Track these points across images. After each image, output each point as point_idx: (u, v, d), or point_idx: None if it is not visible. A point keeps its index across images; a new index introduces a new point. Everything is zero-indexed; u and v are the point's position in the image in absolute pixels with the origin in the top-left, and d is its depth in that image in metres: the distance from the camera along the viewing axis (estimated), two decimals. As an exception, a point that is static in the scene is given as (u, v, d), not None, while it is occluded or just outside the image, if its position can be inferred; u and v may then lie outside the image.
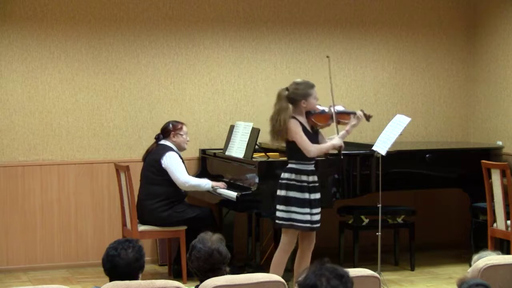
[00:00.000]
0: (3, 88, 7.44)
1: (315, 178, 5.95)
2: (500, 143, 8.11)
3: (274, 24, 8.07)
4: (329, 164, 6.93)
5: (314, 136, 5.98)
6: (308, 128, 5.94)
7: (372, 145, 6.69)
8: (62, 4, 7.51)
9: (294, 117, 5.86)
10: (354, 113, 6.17)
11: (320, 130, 6.12)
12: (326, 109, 6.05)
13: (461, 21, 8.59)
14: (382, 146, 6.55)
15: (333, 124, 6.09)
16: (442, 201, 8.48)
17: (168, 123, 7.15)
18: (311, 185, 5.90)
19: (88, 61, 7.62)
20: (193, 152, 7.82)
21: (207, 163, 7.75)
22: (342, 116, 6.13)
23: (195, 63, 7.89)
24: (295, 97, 5.88)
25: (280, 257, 5.94)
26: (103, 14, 7.61)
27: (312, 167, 5.94)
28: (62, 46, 7.55)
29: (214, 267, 3.86)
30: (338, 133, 6.04)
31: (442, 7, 8.54)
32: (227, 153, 7.39)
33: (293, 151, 5.92)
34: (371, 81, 8.39)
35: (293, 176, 5.89)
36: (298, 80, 6.10)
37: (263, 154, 7.18)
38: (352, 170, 7.07)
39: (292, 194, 5.86)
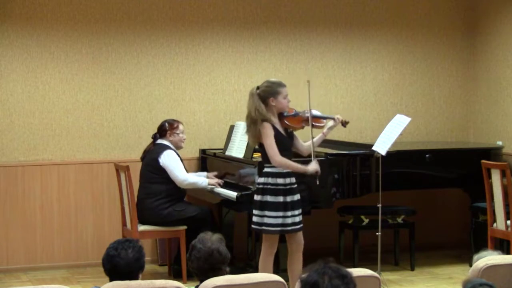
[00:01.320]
0: (3, 88, 7.44)
1: (292, 179, 5.83)
2: (500, 143, 8.11)
3: (274, 24, 8.07)
4: (329, 164, 6.93)
5: (288, 139, 5.88)
6: (282, 130, 5.83)
7: (372, 145, 6.69)
8: (62, 4, 7.51)
9: (267, 120, 5.74)
10: (329, 118, 6.11)
11: (295, 133, 6.02)
12: (300, 112, 5.94)
13: (461, 21, 8.59)
14: (382, 146, 6.54)
15: (307, 128, 6.00)
16: (442, 201, 8.48)
17: (164, 122, 7.15)
18: (287, 187, 5.79)
19: (88, 61, 7.62)
20: (193, 152, 7.82)
21: (207, 163, 7.76)
22: (317, 120, 6.03)
23: (195, 63, 7.89)
24: (264, 94, 5.78)
25: (264, 260, 5.89)
26: (103, 14, 7.61)
27: (287, 169, 5.84)
28: (62, 46, 7.55)
29: (214, 267, 3.85)
30: (312, 136, 5.91)
31: (442, 7, 8.54)
32: (227, 153, 7.39)
33: (267, 153, 5.80)
34: (371, 81, 8.39)
35: (269, 180, 5.79)
36: (272, 79, 6.05)
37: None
38: (352, 170, 7.07)
39: (266, 198, 5.78)
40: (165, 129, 7.09)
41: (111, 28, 7.64)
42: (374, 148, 6.62)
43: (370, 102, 8.37)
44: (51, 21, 7.50)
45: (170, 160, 6.95)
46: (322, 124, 6.09)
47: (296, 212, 5.84)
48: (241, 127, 7.30)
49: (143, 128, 7.73)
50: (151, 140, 7.18)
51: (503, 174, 6.77)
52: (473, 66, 8.60)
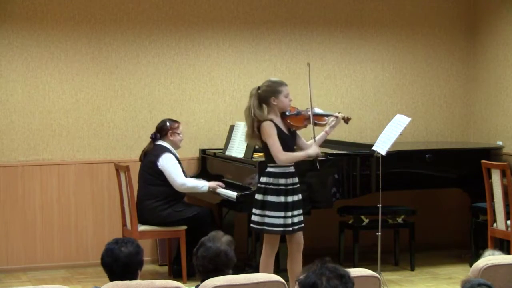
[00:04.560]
0: (3, 88, 7.44)
1: (295, 180, 5.82)
2: (500, 143, 8.11)
3: (274, 24, 8.07)
4: (329, 164, 6.93)
5: (291, 138, 5.86)
6: (285, 129, 5.80)
7: (372, 145, 6.69)
8: (62, 4, 7.51)
9: (269, 120, 5.73)
10: (331, 115, 6.08)
11: (298, 132, 6.00)
12: (302, 111, 5.91)
13: (461, 21, 8.60)
14: (382, 146, 6.55)
15: (310, 126, 5.99)
16: (442, 201, 8.48)
17: (164, 122, 7.13)
18: (289, 187, 5.78)
19: (88, 61, 7.62)
20: (193, 152, 7.82)
21: (207, 163, 7.76)
22: (319, 118, 6.00)
23: (195, 63, 7.89)
24: (265, 94, 5.76)
25: (264, 260, 5.87)
26: (103, 14, 7.61)
27: (290, 169, 5.80)
28: (62, 46, 7.55)
29: (217, 268, 3.83)
30: (314, 135, 5.92)
31: (442, 7, 8.54)
32: (227, 153, 7.39)
33: (270, 153, 5.79)
34: (371, 81, 8.39)
35: (271, 180, 5.77)
36: (273, 78, 6.01)
37: (263, 154, 7.17)
38: (352, 170, 7.07)
39: (267, 198, 5.76)
40: (166, 128, 7.07)
41: (111, 28, 7.64)
42: (374, 148, 6.62)
43: (370, 102, 8.37)
44: (51, 21, 7.50)
45: (168, 164, 6.92)
46: (324, 122, 6.07)
47: (296, 212, 5.82)
48: (241, 127, 7.30)
49: (143, 128, 7.73)
50: (150, 140, 7.15)
51: (503, 174, 6.77)
52: (473, 66, 8.60)
